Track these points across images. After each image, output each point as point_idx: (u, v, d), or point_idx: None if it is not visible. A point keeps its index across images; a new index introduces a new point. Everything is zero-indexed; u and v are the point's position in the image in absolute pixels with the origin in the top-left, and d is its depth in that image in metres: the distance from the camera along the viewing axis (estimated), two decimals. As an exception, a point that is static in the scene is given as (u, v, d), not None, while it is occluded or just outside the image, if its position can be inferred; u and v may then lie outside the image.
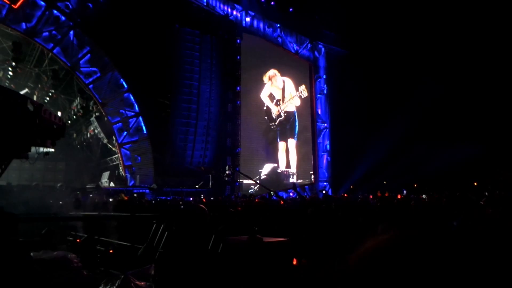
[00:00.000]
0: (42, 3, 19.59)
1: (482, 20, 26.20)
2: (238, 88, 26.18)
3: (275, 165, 27.50)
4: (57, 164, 23.97)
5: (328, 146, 31.94)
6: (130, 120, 22.55)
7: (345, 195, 19.36)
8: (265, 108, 27.89)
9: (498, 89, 26.68)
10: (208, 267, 2.78)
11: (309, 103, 31.14)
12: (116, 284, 3.98)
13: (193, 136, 23.75)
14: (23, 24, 19.00)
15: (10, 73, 20.22)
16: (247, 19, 27.97)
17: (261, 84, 27.93)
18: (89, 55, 21.20)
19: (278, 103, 28.43)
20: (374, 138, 27.92)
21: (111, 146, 23.01)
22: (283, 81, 29.06)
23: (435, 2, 27.73)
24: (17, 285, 2.72)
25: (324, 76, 32.54)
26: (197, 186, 23.26)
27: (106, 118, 21.93)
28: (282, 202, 11.19)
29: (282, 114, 28.40)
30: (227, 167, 24.56)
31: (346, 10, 26.55)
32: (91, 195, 14.73)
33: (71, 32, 20.62)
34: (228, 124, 25.65)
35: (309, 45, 31.87)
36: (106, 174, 22.42)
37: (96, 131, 22.67)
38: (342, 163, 29.64)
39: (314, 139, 31.17)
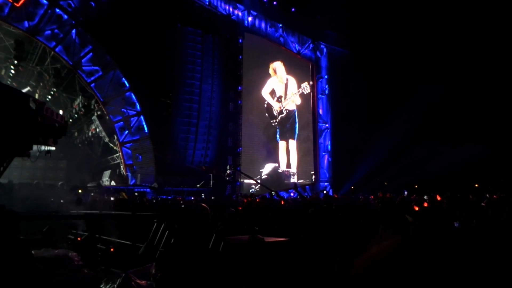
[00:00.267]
0: (45, 1, 19.61)
1: (483, 20, 26.15)
2: (239, 87, 26.18)
3: (276, 165, 27.50)
4: (58, 163, 24.07)
5: (329, 146, 31.92)
6: (131, 119, 22.58)
7: (344, 195, 19.35)
8: (265, 105, 27.87)
9: (500, 90, 26.62)
10: (209, 266, 2.78)
11: (309, 103, 31.12)
12: (117, 283, 3.98)
13: (195, 136, 23.76)
14: (26, 22, 19.03)
15: (12, 71, 20.28)
16: (249, 18, 27.97)
17: (263, 84, 27.93)
18: (91, 53, 21.23)
19: (280, 100, 28.40)
20: (375, 139, 27.89)
21: (112, 145, 23.04)
22: (287, 79, 29.11)
23: (436, 3, 27.69)
24: (19, 283, 2.73)
25: (326, 76, 32.51)
26: (198, 186, 23.28)
27: (107, 117, 21.97)
28: (282, 202, 11.17)
29: (283, 111, 28.39)
30: (228, 167, 24.56)
31: (348, 10, 26.50)
32: (92, 194, 14.77)
33: (73, 31, 20.64)
34: (230, 124, 25.64)
35: (311, 45, 31.86)
36: (107, 173, 22.47)
37: (97, 129, 22.71)
38: (343, 163, 29.61)
39: (315, 139, 31.16)
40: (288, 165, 28.41)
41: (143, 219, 6.92)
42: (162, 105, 23.92)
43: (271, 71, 28.28)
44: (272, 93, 28.26)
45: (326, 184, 30.89)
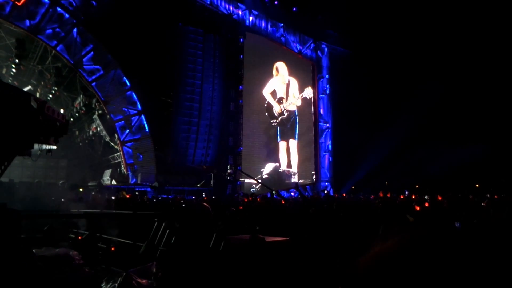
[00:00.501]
0: (46, 0, 19.63)
1: (485, 20, 26.10)
2: (240, 87, 26.17)
3: (277, 164, 27.50)
4: (59, 162, 24.07)
5: (330, 146, 31.90)
6: (132, 118, 22.60)
7: (344, 194, 19.31)
8: (266, 104, 27.85)
9: (501, 90, 26.58)
10: (210, 266, 2.78)
11: (310, 103, 31.09)
12: (118, 282, 3.99)
13: (195, 135, 23.76)
14: (27, 21, 19.05)
15: (14, 70, 20.29)
16: (251, 18, 27.95)
17: (264, 83, 27.91)
18: (92, 52, 21.25)
19: (281, 101, 28.39)
20: (376, 139, 27.84)
21: (113, 144, 23.06)
22: (288, 80, 29.09)
23: (438, 2, 27.63)
24: (20, 281, 2.73)
25: (327, 76, 32.50)
26: (198, 185, 23.29)
27: (108, 116, 21.99)
28: (283, 202, 11.18)
29: (284, 112, 28.37)
30: (229, 166, 24.57)
31: (349, 10, 26.47)
32: (93, 193, 14.79)
33: (75, 30, 20.66)
34: (230, 123, 25.64)
35: (312, 45, 31.84)
36: (108, 172, 22.48)
37: (98, 128, 22.74)
38: (344, 163, 29.60)
39: (316, 139, 31.14)
40: (289, 165, 28.40)
41: (144, 218, 6.93)
42: (163, 104, 23.94)
43: (274, 70, 28.27)
44: (273, 93, 28.24)
45: (327, 183, 30.89)
